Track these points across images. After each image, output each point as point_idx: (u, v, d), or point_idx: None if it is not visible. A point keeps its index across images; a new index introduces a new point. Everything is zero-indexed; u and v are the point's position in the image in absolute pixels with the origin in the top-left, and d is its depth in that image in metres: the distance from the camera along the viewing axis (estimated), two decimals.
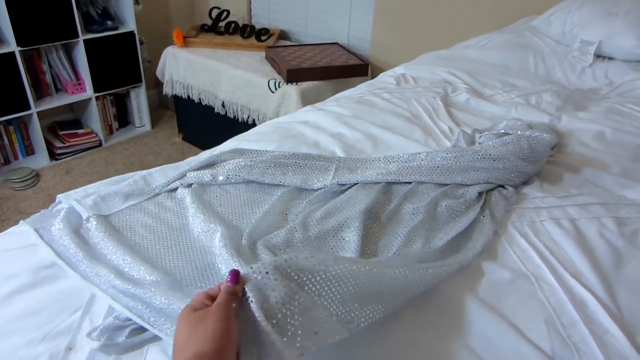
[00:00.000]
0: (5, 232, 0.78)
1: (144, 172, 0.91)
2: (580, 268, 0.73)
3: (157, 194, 0.85)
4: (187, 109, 2.83)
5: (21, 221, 0.79)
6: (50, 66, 2.65)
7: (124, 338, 0.57)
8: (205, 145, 2.89)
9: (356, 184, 0.87)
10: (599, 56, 1.63)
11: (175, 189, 0.87)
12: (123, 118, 3.09)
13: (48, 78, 2.66)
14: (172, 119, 3.19)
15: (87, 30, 2.62)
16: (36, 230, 0.75)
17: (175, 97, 2.84)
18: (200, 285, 0.67)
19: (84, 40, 2.57)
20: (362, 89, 1.49)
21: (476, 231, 0.77)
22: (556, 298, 0.67)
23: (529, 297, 0.67)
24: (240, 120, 2.48)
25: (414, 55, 1.93)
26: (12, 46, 2.32)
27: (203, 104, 2.64)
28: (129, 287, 0.63)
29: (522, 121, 1.15)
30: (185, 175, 0.89)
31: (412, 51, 2.36)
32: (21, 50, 2.36)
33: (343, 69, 2.37)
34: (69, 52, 2.68)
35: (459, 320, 0.63)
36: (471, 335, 0.61)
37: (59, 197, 0.87)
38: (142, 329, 0.60)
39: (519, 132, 1.01)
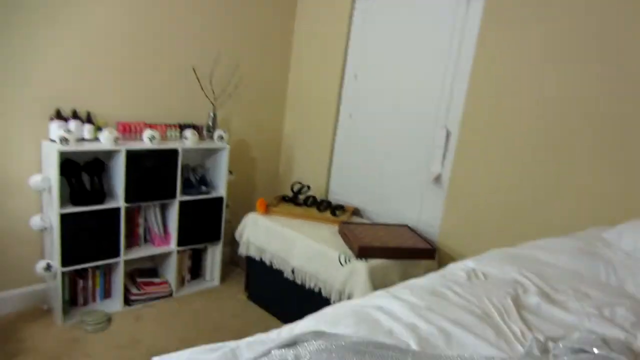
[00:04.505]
0: None
1: (233, 344, 1.00)
2: None
3: None
4: (257, 269, 2.99)
5: None
6: (145, 220, 2.97)
7: None
8: (268, 307, 3.01)
9: None
10: None
11: None
12: (196, 271, 3.29)
13: (141, 230, 2.96)
14: (239, 277, 3.34)
15: (184, 192, 2.98)
16: None
17: (248, 258, 3.03)
18: None
19: (180, 201, 2.91)
20: (434, 279, 1.56)
21: None
22: None
23: None
24: (307, 287, 2.57)
25: (481, 246, 2.02)
26: (119, 202, 2.67)
27: (274, 268, 2.79)
28: None
29: (596, 335, 1.15)
30: (270, 352, 0.96)
31: (480, 243, 2.46)
32: (126, 206, 2.70)
33: (411, 251, 2.48)
34: (164, 209, 3.02)
35: None
36: None
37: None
38: None
39: (595, 349, 1.01)
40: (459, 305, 1.33)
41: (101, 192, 2.63)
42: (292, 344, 0.99)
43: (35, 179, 2.42)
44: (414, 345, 1.08)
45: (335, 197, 3.36)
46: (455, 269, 1.67)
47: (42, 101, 2.52)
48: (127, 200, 2.68)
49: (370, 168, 3.12)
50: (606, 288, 1.58)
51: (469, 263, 1.74)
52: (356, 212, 3.17)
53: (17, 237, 2.62)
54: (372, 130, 3.10)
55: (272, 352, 0.95)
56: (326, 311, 1.26)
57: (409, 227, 2.79)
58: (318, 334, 1.03)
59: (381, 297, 1.35)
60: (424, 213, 2.83)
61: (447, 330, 1.18)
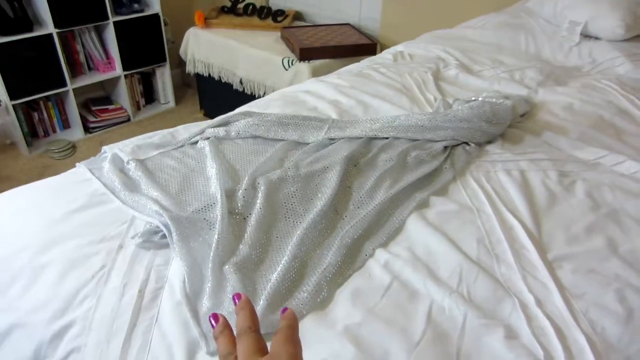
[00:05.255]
0: (65, 173, 1.00)
1: (171, 129, 1.11)
2: (517, 205, 0.90)
3: (182, 145, 1.06)
4: (208, 86, 3.04)
5: (77, 164, 1.00)
6: (83, 46, 2.87)
7: (157, 239, 0.78)
8: None
9: (343, 138, 1.06)
10: (586, 36, 1.75)
11: (196, 142, 1.07)
12: (149, 95, 3.32)
13: (82, 57, 2.89)
14: (194, 96, 3.40)
15: (116, 12, 2.83)
16: (89, 170, 0.96)
17: (197, 75, 3.04)
18: (203, 217, 0.84)
19: (114, 22, 2.78)
20: (363, 64, 1.66)
21: (437, 176, 0.95)
22: (490, 224, 0.86)
23: (468, 223, 0.86)
24: (257, 95, 2.67)
25: (420, 34, 2.08)
26: (49, 28, 2.55)
27: (223, 81, 2.84)
28: (158, 209, 0.84)
29: (500, 93, 1.31)
30: (204, 131, 1.09)
31: (419, 31, 2.50)
32: (58, 32, 2.58)
33: (353, 48, 2.53)
34: (100, 33, 2.90)
35: (406, 234, 0.83)
36: (414, 242, 0.81)
37: (104, 148, 1.08)
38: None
39: (487, 99, 1.17)
40: (381, 82, 1.46)
41: (26, 19, 2.48)
42: (224, 123, 1.12)
43: None
44: (334, 116, 1.22)
45: (275, 3, 3.24)
46: (384, 54, 1.76)
47: None
48: (56, 25, 2.55)
49: None
50: (523, 56, 1.72)
51: (398, 47, 1.83)
52: (298, 16, 3.10)
53: None
54: None
55: (206, 130, 1.08)
56: (258, 100, 1.37)
57: (351, 25, 2.79)
58: (247, 114, 1.16)
59: (310, 83, 1.46)
60: (365, 9, 2.80)
61: (366, 102, 1.32)
